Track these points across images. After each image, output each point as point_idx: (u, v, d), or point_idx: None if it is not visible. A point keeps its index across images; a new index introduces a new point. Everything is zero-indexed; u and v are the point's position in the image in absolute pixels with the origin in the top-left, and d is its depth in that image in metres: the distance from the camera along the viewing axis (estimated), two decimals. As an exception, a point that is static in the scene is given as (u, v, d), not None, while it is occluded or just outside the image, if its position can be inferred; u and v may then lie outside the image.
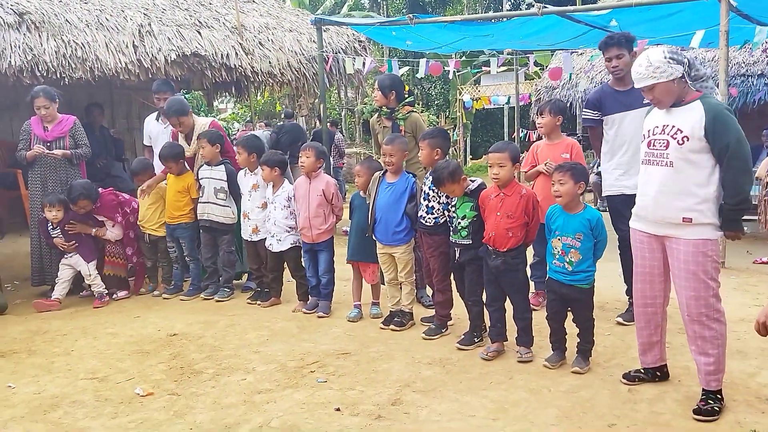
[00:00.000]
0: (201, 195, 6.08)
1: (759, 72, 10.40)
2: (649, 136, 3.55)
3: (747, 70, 10.60)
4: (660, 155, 3.47)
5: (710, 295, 3.42)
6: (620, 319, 4.96)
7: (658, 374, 3.90)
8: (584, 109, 5.19)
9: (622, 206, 4.85)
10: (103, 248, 6.33)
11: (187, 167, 6.27)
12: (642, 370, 3.92)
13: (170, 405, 3.83)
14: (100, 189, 6.28)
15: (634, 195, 4.71)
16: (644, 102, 4.54)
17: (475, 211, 4.48)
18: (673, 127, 3.42)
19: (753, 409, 3.53)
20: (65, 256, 6.10)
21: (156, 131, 6.88)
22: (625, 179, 4.86)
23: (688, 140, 3.36)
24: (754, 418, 3.42)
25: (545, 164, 5.20)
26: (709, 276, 3.41)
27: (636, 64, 3.48)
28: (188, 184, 6.17)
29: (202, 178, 6.10)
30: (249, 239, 5.91)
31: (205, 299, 6.10)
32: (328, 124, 13.33)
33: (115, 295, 6.31)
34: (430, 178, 4.79)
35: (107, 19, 7.77)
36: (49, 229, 6.05)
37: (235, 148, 6.04)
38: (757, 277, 6.39)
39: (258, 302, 5.88)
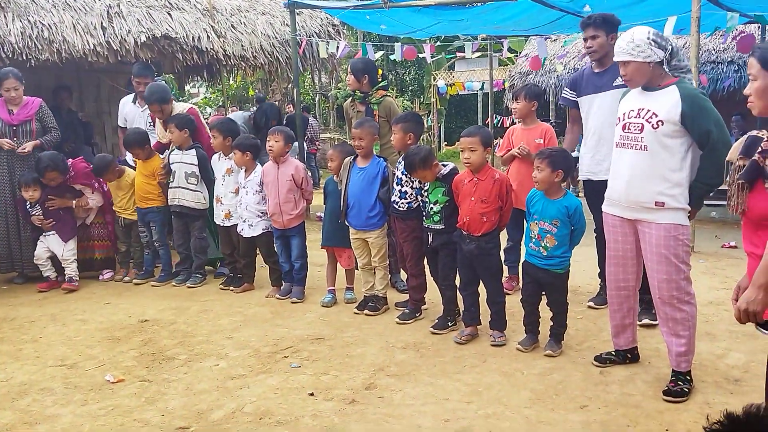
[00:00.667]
0: (172, 180, 6.00)
1: (729, 59, 10.55)
2: (623, 119, 3.55)
3: (717, 57, 10.75)
4: (634, 139, 3.48)
5: (681, 278, 3.46)
6: (591, 303, 5.02)
7: (629, 356, 3.95)
8: (564, 88, 5.19)
9: (593, 191, 4.87)
10: (89, 234, 6.32)
11: (155, 151, 6.18)
12: (613, 353, 3.97)
13: (141, 392, 3.79)
14: (69, 160, 6.18)
15: (602, 180, 4.76)
16: (614, 84, 4.59)
17: (447, 196, 4.48)
18: (648, 111, 3.43)
19: (721, 390, 3.59)
20: (43, 234, 6.03)
21: (132, 114, 6.76)
22: (593, 165, 4.85)
23: (662, 124, 3.38)
24: (722, 398, 3.48)
25: (518, 148, 5.21)
26: (680, 259, 3.45)
27: (620, 39, 3.50)
28: (155, 168, 6.06)
29: (173, 163, 6.00)
30: (222, 224, 5.85)
31: (176, 286, 6.03)
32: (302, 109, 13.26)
33: (101, 276, 6.32)
34: (403, 162, 4.78)
35: (75, 0, 7.59)
36: (27, 207, 5.97)
37: (210, 131, 5.95)
38: (725, 261, 6.49)
39: (231, 288, 5.83)
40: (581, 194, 6.63)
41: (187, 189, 5.95)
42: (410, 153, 4.54)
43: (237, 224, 5.72)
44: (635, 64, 3.40)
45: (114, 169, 6.18)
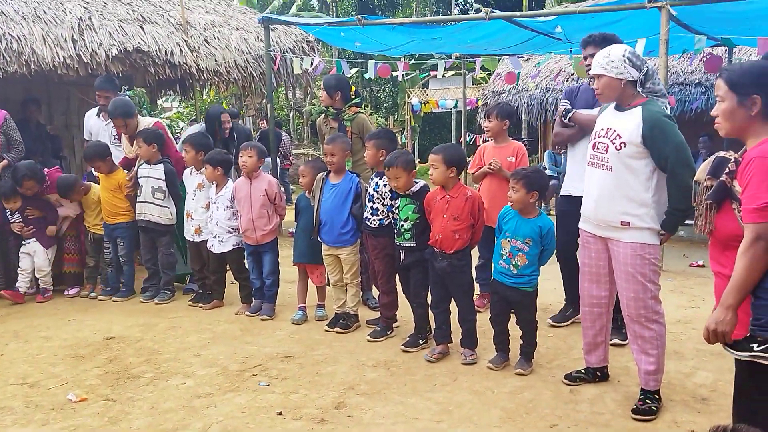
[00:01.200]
0: (139, 194, 5.91)
1: (696, 81, 10.73)
2: (594, 138, 3.59)
3: (685, 79, 10.93)
4: (601, 158, 3.51)
5: (648, 297, 3.48)
6: (551, 321, 5.03)
7: (598, 374, 3.96)
8: (561, 99, 5.17)
9: (570, 210, 4.87)
10: (60, 246, 6.27)
11: (116, 165, 6.09)
12: (583, 371, 3.98)
13: (105, 411, 3.70)
14: (45, 170, 6.14)
15: (578, 198, 4.76)
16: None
17: (418, 213, 4.47)
18: (614, 131, 3.45)
19: (689, 409, 3.61)
20: (23, 243, 6.00)
21: (97, 127, 6.68)
22: (578, 181, 4.83)
23: (625, 146, 3.40)
24: (690, 417, 3.49)
25: (490, 163, 5.22)
26: (647, 278, 3.46)
27: (599, 53, 3.53)
28: (119, 181, 5.98)
29: (140, 177, 5.92)
30: (192, 239, 5.77)
31: (144, 302, 5.92)
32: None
33: (66, 292, 6.24)
34: (375, 179, 4.77)
35: (45, 12, 7.47)
36: (7, 214, 5.95)
37: (182, 145, 5.87)
38: (693, 280, 6.57)
39: (200, 304, 5.75)
40: (552, 212, 6.66)
41: (154, 204, 5.87)
42: (396, 153, 4.55)
43: (207, 240, 5.65)
44: (607, 79, 3.43)
45: (79, 189, 6.12)
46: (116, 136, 6.47)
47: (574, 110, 4.76)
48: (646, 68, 3.45)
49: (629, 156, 3.40)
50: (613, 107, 3.57)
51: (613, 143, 3.44)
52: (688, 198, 3.27)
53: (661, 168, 3.39)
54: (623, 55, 3.41)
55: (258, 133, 13.61)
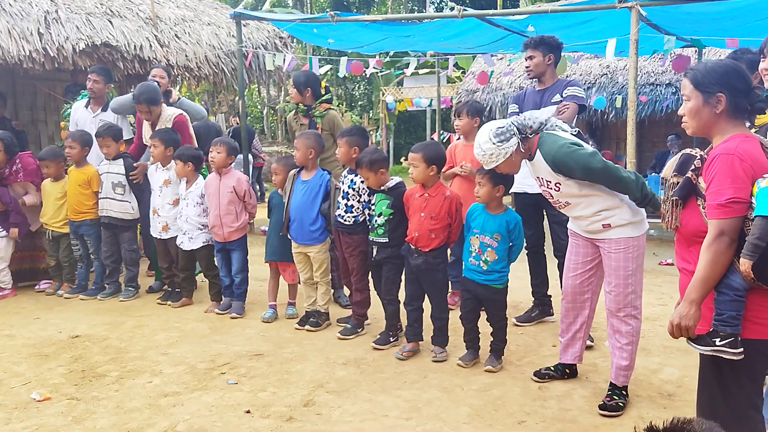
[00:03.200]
0: (100, 190, 5.84)
1: (667, 81, 10.85)
2: (540, 186, 3.70)
3: (656, 79, 11.04)
4: (555, 203, 3.65)
5: (629, 291, 3.52)
6: (515, 321, 5.04)
7: (567, 371, 3.98)
8: (510, 104, 5.26)
9: (525, 205, 4.95)
10: (35, 243, 6.23)
11: (87, 161, 5.97)
12: (552, 368, 4.00)
13: (69, 410, 3.63)
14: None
15: (537, 194, 4.84)
16: (552, 101, 4.72)
17: (392, 209, 4.46)
18: (542, 179, 3.59)
19: (655, 405, 3.64)
20: None
21: (84, 119, 6.46)
22: (528, 177, 4.91)
23: (560, 185, 3.51)
24: (656, 413, 3.52)
25: (461, 166, 5.23)
26: (630, 271, 3.50)
27: (475, 148, 3.62)
28: (89, 176, 5.88)
29: (101, 173, 5.85)
30: (159, 237, 5.69)
31: (101, 300, 5.83)
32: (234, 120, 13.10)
33: (37, 286, 6.21)
34: (349, 177, 4.74)
35: (10, 5, 7.30)
36: None
37: (150, 141, 5.75)
38: (662, 278, 6.64)
39: (169, 303, 5.67)
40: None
41: (114, 200, 5.79)
42: (366, 151, 4.54)
43: (175, 237, 5.58)
44: (502, 165, 3.57)
45: (60, 164, 5.99)
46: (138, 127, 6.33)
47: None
48: (513, 128, 3.50)
49: (569, 188, 3.50)
50: (526, 161, 3.67)
51: (550, 188, 3.57)
52: (630, 192, 3.40)
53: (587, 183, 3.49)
54: (492, 143, 3.50)
55: (229, 130, 13.49)
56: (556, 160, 3.43)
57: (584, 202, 3.52)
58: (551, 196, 3.62)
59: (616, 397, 3.56)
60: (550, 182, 3.54)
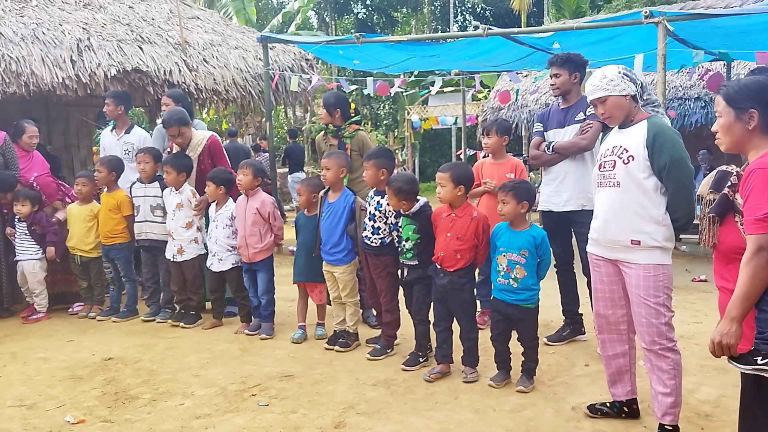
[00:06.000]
0: (137, 214, 5.92)
1: (695, 95, 10.77)
2: (600, 159, 3.48)
3: (684, 94, 10.97)
4: (609, 176, 3.38)
5: (662, 322, 3.28)
6: (546, 340, 4.96)
7: (625, 410, 3.64)
8: (535, 123, 5.25)
9: (553, 223, 4.91)
10: (70, 267, 6.27)
11: (117, 185, 6.07)
12: (608, 404, 3.69)
13: (102, 433, 3.66)
14: (34, 175, 6.15)
15: (564, 212, 4.78)
16: (575, 119, 4.70)
17: (418, 234, 4.46)
18: (621, 147, 3.35)
19: (693, 425, 3.56)
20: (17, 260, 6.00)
21: (110, 144, 6.61)
22: (554, 196, 4.91)
23: (633, 159, 3.28)
24: (694, 434, 3.45)
25: (485, 182, 5.22)
26: (660, 302, 3.28)
27: (591, 77, 3.46)
28: (119, 201, 5.97)
29: (135, 197, 5.94)
30: (173, 259, 5.74)
31: (145, 321, 5.88)
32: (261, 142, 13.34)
33: (70, 309, 6.28)
34: (375, 198, 4.75)
35: (44, 33, 7.53)
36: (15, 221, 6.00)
37: (163, 167, 5.81)
38: (696, 295, 6.53)
39: (181, 324, 5.69)
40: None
41: (154, 222, 5.87)
42: (398, 177, 4.54)
43: (188, 260, 5.68)
44: (613, 98, 3.34)
45: (94, 186, 6.13)
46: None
47: (554, 142, 4.84)
48: (639, 81, 3.41)
49: (637, 169, 3.27)
50: (617, 128, 3.48)
51: (620, 158, 3.32)
52: (677, 211, 3.22)
53: (659, 178, 3.25)
54: (619, 72, 3.37)
55: (283, 150, 13.85)
56: (660, 135, 3.23)
57: (635, 192, 3.27)
58: (613, 165, 3.34)
59: None
60: (628, 150, 3.29)
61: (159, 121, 6.73)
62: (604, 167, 3.42)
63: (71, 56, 7.40)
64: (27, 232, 5.96)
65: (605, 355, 3.65)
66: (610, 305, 3.53)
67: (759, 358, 2.30)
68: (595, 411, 3.68)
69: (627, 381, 3.61)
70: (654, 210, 3.27)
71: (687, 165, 3.25)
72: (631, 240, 3.29)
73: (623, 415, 3.62)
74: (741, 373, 2.42)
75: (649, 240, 3.26)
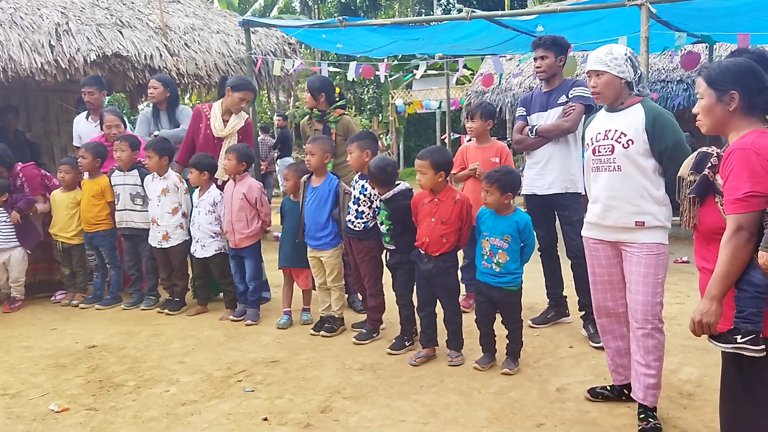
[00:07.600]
0: (117, 202, 5.87)
1: (678, 78, 10.80)
2: (593, 144, 3.46)
3: (666, 76, 11.00)
4: (607, 161, 3.37)
5: (657, 301, 3.32)
6: (531, 323, 5.01)
7: (625, 392, 3.62)
8: (517, 107, 5.24)
9: (536, 206, 4.92)
10: (52, 255, 6.24)
11: (100, 171, 6.00)
12: (608, 387, 3.72)
13: (87, 420, 3.64)
14: (19, 164, 6.06)
15: (547, 196, 4.76)
16: (558, 102, 4.69)
17: (390, 220, 4.47)
18: (617, 131, 3.35)
19: (675, 405, 3.61)
20: None
21: (86, 131, 6.52)
22: (538, 179, 4.90)
23: (633, 143, 3.29)
24: (676, 413, 3.50)
25: (473, 169, 5.21)
26: (659, 281, 3.32)
27: (598, 49, 3.43)
28: (102, 187, 5.91)
29: (115, 185, 5.89)
30: (158, 246, 5.70)
31: (126, 309, 5.85)
32: (260, 129, 13.20)
33: (53, 297, 6.23)
34: (360, 182, 4.74)
35: (22, 18, 7.39)
36: None
37: (145, 151, 5.75)
38: (678, 276, 6.59)
39: (167, 311, 5.67)
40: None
41: (134, 210, 5.82)
42: (375, 161, 4.51)
43: (173, 246, 5.65)
44: (609, 76, 3.33)
45: (78, 173, 6.05)
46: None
47: (537, 126, 4.83)
48: (640, 71, 3.41)
49: (637, 153, 3.28)
50: (603, 111, 3.49)
51: (619, 142, 3.32)
52: (672, 192, 3.24)
53: (659, 161, 3.28)
54: (626, 54, 3.35)
55: (279, 134, 13.94)
56: (659, 118, 3.26)
57: (637, 175, 3.29)
58: (611, 150, 3.34)
59: (651, 419, 3.34)
60: (626, 135, 3.30)
61: (141, 106, 6.64)
62: (599, 152, 3.41)
63: (50, 41, 7.27)
64: (6, 220, 5.87)
65: (605, 339, 3.67)
66: (608, 288, 3.53)
67: (738, 337, 2.33)
68: (596, 395, 3.70)
69: (627, 364, 3.59)
70: (655, 191, 3.31)
71: (686, 146, 3.27)
72: (636, 221, 3.32)
73: (623, 398, 3.63)
74: (722, 352, 2.45)
75: (653, 220, 3.31)
